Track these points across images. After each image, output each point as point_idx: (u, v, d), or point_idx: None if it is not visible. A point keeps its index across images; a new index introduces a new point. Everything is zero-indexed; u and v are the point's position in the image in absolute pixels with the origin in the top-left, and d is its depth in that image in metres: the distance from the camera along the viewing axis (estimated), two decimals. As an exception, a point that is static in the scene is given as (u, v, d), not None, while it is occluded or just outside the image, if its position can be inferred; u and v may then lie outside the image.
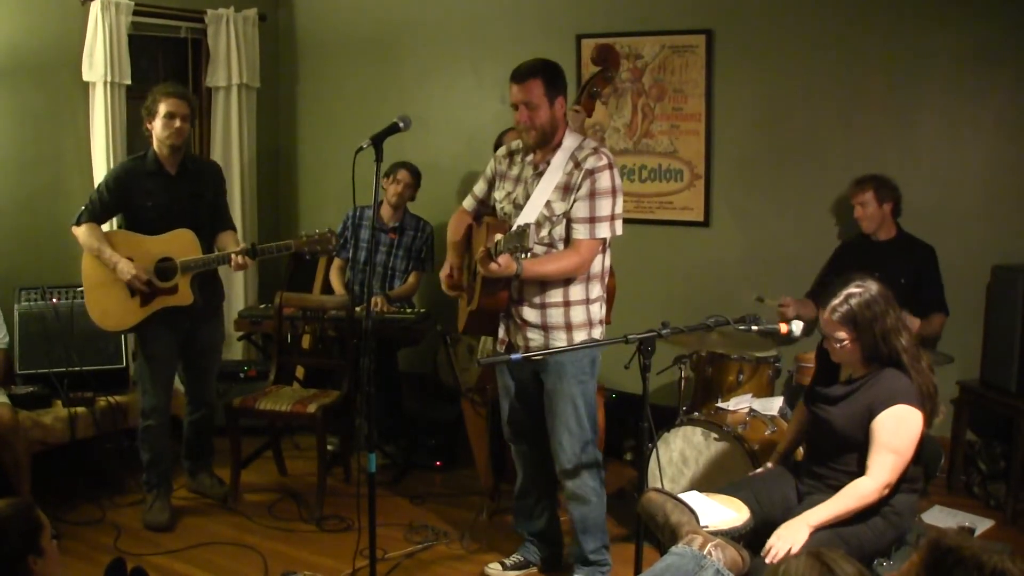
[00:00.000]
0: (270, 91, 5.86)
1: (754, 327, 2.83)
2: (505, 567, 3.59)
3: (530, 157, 3.27)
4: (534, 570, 3.61)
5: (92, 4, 4.68)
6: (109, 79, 4.73)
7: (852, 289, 2.75)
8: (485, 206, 3.46)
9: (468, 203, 3.52)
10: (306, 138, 6.03)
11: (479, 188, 3.47)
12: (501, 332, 3.33)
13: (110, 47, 4.71)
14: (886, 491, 2.67)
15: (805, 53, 4.61)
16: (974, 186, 4.37)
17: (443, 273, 3.51)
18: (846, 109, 4.56)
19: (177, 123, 3.78)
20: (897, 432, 2.65)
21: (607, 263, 3.32)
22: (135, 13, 4.87)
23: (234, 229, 4.14)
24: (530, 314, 3.25)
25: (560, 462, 3.33)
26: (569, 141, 3.21)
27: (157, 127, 3.80)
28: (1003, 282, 4.18)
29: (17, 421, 3.82)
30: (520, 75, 3.16)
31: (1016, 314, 4.01)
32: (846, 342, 2.76)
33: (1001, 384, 4.10)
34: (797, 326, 2.87)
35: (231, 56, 5.42)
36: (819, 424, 2.90)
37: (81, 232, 3.82)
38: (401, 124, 3.05)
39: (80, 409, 4.12)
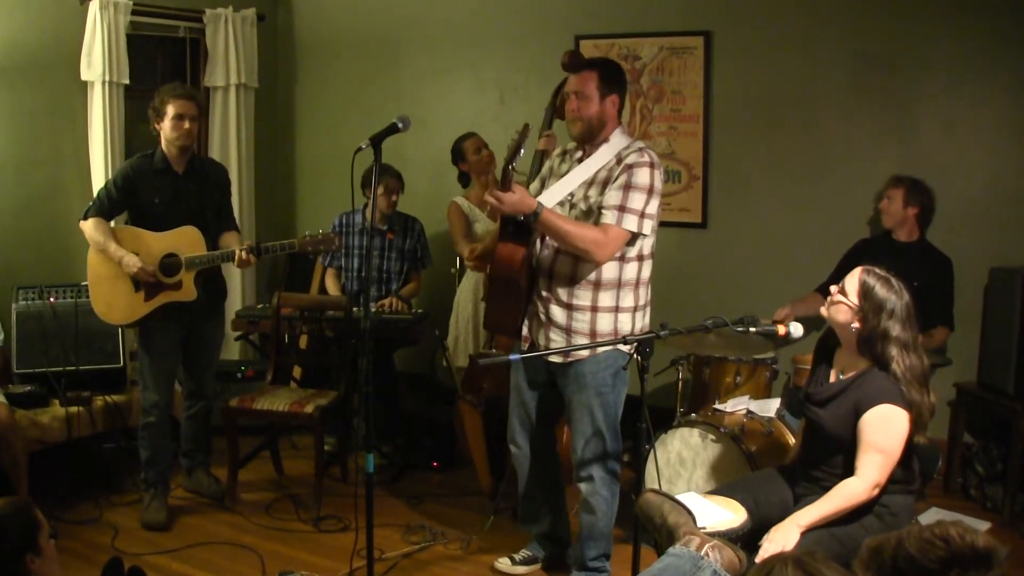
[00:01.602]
0: (268, 91, 5.85)
1: (752, 329, 2.83)
2: (514, 562, 3.59)
3: (579, 154, 3.24)
4: (542, 566, 3.62)
5: (91, 3, 4.67)
6: (107, 78, 4.73)
7: (894, 279, 2.74)
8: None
9: None
10: (304, 138, 6.02)
11: (532, 188, 3.40)
12: (524, 330, 3.30)
13: (108, 46, 4.71)
14: (876, 491, 2.66)
15: (803, 54, 4.62)
16: (973, 187, 4.38)
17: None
18: (845, 110, 4.56)
19: (186, 124, 3.81)
20: (883, 431, 2.65)
21: (644, 274, 3.23)
22: (133, 12, 4.86)
23: (238, 230, 4.17)
24: (557, 313, 3.20)
25: (575, 469, 3.33)
26: (618, 139, 3.17)
27: (166, 128, 3.82)
28: (1001, 284, 4.18)
29: (15, 420, 3.81)
30: (577, 65, 3.16)
31: (1014, 316, 4.02)
32: (846, 303, 2.74)
33: (999, 386, 4.10)
34: (796, 328, 2.86)
35: (229, 56, 5.41)
36: (811, 426, 2.90)
37: (88, 226, 3.85)
38: (400, 125, 3.02)
39: (77, 408, 4.11)
